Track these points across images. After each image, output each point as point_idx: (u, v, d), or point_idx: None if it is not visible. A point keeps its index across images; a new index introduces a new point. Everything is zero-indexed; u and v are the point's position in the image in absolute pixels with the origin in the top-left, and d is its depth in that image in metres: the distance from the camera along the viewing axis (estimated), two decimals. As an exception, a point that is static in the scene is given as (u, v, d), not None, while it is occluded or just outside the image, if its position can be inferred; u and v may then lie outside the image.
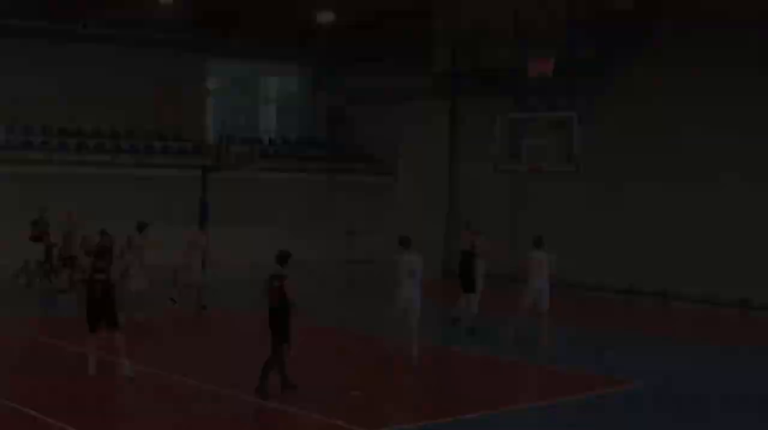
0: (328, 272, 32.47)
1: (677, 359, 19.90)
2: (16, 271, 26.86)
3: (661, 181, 30.22)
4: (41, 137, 32.81)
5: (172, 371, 16.79)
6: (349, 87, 40.29)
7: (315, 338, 19.60)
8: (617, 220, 30.77)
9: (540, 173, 26.44)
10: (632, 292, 29.95)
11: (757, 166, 28.21)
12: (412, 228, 36.33)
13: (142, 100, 33.55)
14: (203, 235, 24.87)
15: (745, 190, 28.25)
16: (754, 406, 15.67)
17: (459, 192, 35.75)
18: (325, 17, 31.87)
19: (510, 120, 27.02)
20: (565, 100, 26.09)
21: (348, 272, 34.83)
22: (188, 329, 22.80)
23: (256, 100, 45.19)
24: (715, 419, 14.96)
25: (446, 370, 19.21)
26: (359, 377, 16.81)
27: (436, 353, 19.95)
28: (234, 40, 35.56)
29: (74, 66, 32.99)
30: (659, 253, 29.22)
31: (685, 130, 29.62)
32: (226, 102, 45.57)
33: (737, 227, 28.57)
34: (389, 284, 18.35)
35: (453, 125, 35.61)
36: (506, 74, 30.52)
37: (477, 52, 32.41)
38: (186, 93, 35.77)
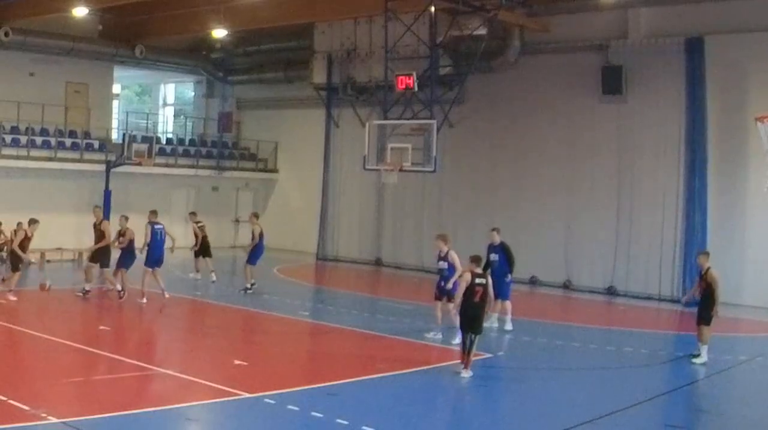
0: (217, 255, 32.67)
1: (537, 336, 19.62)
2: None
3: (508, 182, 31.13)
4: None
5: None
6: (238, 95, 40.47)
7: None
8: (470, 214, 31.50)
9: (402, 172, 26.83)
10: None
11: (590, 177, 29.09)
12: (291, 218, 37.20)
13: (55, 102, 33.11)
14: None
15: (585, 195, 29.15)
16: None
17: (332, 187, 36.13)
18: (218, 33, 31.88)
19: (378, 126, 27.38)
20: (426, 109, 26.61)
21: (233, 254, 34.97)
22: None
23: (156, 105, 44.95)
24: (536, 382, 15.43)
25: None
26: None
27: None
28: (137, 50, 35.23)
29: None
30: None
31: (528, 140, 30.50)
32: (129, 105, 45.30)
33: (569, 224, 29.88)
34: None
35: (328, 130, 35.70)
36: (376, 87, 31.15)
37: (351, 68, 32.95)
38: (94, 96, 35.26)
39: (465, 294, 15.03)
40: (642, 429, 13.05)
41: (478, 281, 15.04)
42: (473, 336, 15.08)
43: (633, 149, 28.05)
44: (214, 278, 26.16)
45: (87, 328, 18.26)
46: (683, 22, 27.12)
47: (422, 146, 25.92)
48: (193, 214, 27.92)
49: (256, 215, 25.69)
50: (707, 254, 17.96)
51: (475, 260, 15.41)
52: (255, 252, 24.50)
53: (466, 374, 14.98)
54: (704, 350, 17.36)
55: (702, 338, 17.37)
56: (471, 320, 15.05)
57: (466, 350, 15.08)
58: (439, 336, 18.34)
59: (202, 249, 26.81)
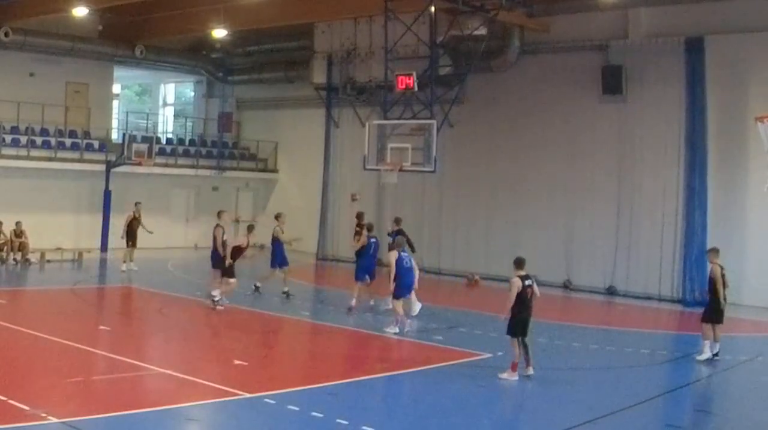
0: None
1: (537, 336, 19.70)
2: None
3: (508, 182, 31.12)
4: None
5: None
6: (238, 95, 40.45)
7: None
8: (470, 214, 31.59)
9: (402, 172, 26.79)
10: (487, 278, 29.76)
11: (590, 177, 29.05)
12: (291, 218, 37.08)
13: (55, 102, 33.11)
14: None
15: (585, 195, 29.08)
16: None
17: (332, 187, 36.09)
18: (218, 33, 31.89)
19: (378, 126, 27.37)
20: (426, 109, 26.59)
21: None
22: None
23: (156, 105, 44.95)
24: (536, 382, 15.31)
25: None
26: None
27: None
28: (137, 50, 35.25)
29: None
30: (502, 243, 30.14)
31: (528, 140, 30.42)
32: (130, 105, 45.27)
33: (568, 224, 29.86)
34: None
35: (328, 130, 35.69)
36: (376, 87, 31.12)
37: (350, 68, 32.92)
38: (93, 96, 35.23)
39: (517, 299, 15.06)
40: (642, 429, 13.04)
41: (527, 282, 15.21)
42: (524, 338, 15.27)
43: (633, 149, 28.02)
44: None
45: (87, 328, 18.22)
46: (683, 22, 27.12)
47: (422, 146, 25.91)
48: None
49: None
50: (715, 251, 17.87)
51: (517, 263, 15.37)
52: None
53: (530, 372, 15.30)
54: (706, 346, 17.44)
55: (704, 334, 17.54)
56: (525, 322, 15.22)
57: (524, 354, 15.25)
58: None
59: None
